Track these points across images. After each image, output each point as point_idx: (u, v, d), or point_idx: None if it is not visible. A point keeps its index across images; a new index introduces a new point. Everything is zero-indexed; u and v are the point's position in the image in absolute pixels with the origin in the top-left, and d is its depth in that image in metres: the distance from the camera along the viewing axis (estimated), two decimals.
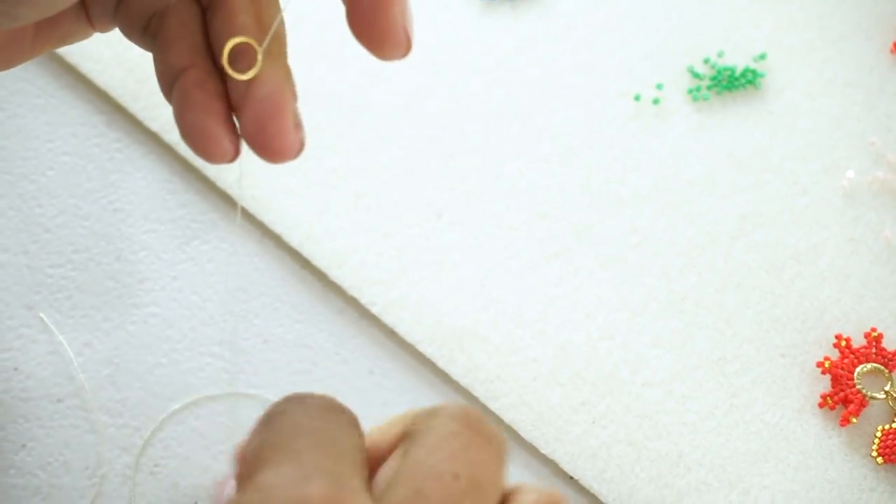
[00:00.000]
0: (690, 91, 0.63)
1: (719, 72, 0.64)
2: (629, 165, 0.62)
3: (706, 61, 0.64)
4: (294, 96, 0.44)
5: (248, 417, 0.56)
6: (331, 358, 0.57)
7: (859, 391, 0.56)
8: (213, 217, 0.60)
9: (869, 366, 0.56)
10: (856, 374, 0.56)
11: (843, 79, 0.64)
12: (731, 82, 0.64)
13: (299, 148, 0.44)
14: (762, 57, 0.64)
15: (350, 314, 0.58)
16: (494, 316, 0.58)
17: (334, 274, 0.59)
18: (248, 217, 0.60)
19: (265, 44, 0.43)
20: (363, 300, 0.58)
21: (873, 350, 0.57)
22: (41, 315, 0.57)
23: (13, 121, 0.62)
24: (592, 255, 0.59)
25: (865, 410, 0.56)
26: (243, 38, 0.44)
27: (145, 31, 0.47)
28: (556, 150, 0.62)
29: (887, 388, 0.56)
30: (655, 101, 0.63)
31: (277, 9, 0.45)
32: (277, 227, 0.59)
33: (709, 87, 0.64)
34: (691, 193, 0.61)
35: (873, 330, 0.57)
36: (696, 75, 0.64)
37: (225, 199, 0.60)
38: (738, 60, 0.64)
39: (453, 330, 0.57)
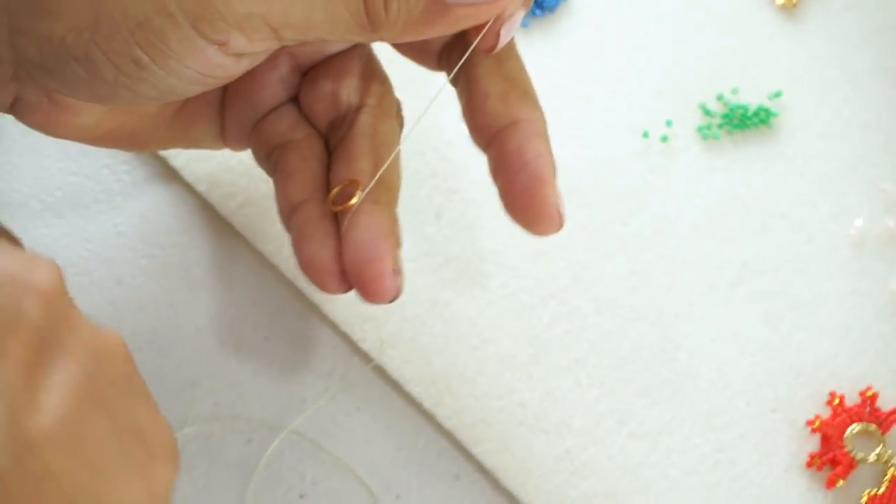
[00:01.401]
0: (700, 129, 0.62)
1: (732, 110, 0.62)
2: (633, 205, 0.61)
3: (719, 98, 0.63)
4: (396, 244, 0.47)
5: (235, 449, 0.57)
6: (320, 395, 0.58)
7: (848, 453, 0.55)
8: (213, 245, 0.61)
9: (860, 426, 0.55)
10: (846, 434, 0.55)
11: (861, 120, 0.62)
12: (742, 121, 0.62)
13: (395, 293, 0.47)
14: (777, 95, 0.63)
15: (342, 351, 0.59)
16: (484, 357, 0.58)
17: (328, 308, 0.59)
18: (248, 248, 0.60)
19: (369, 186, 0.47)
20: (354, 336, 0.58)
21: (867, 409, 0.56)
22: None
23: (26, 138, 0.63)
24: (588, 298, 0.59)
25: (854, 472, 0.55)
26: (350, 180, 0.48)
27: (269, 158, 0.51)
28: (560, 186, 0.61)
29: (878, 451, 0.55)
30: (664, 139, 0.62)
31: (396, 160, 0.49)
32: (274, 258, 0.60)
33: (720, 126, 0.62)
34: (694, 236, 0.60)
35: (868, 388, 0.56)
36: (707, 112, 0.63)
37: (226, 229, 0.61)
38: (753, 98, 0.63)
39: (442, 370, 0.57)
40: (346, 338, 0.59)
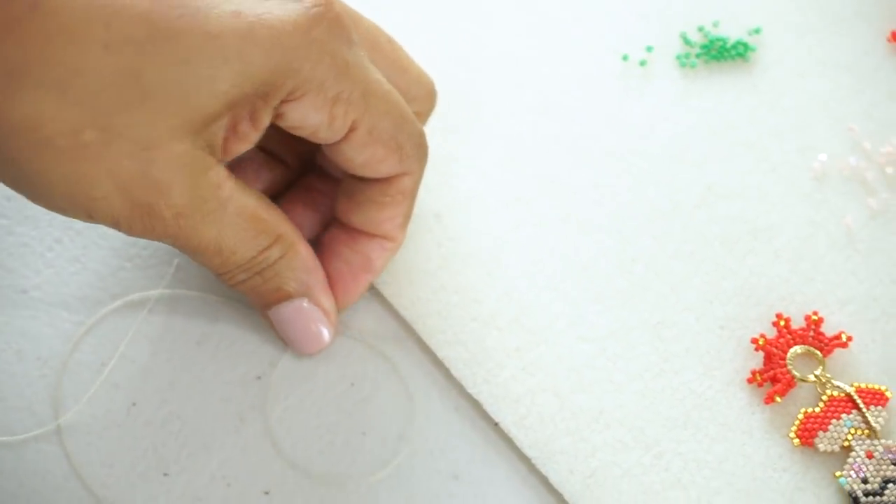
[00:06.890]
0: (679, 57, 0.64)
1: (711, 41, 0.64)
2: (605, 123, 0.62)
3: (700, 29, 0.64)
4: None
5: (200, 321, 0.58)
6: None
7: (789, 371, 0.56)
8: None
9: (803, 348, 0.57)
10: (789, 354, 0.57)
11: (835, 61, 0.64)
12: (720, 53, 0.64)
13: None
14: (757, 31, 0.64)
15: None
16: (446, 253, 0.59)
17: None
18: None
19: None
20: None
21: (811, 333, 0.57)
22: None
23: None
24: (552, 206, 0.60)
25: (792, 392, 0.57)
26: None
27: None
28: (536, 98, 0.63)
29: (818, 373, 0.57)
30: (642, 63, 0.64)
31: None
32: None
33: (698, 55, 0.64)
34: (662, 158, 0.62)
35: (815, 313, 0.58)
36: (687, 42, 0.64)
37: None
38: (733, 31, 0.64)
39: (404, 262, 0.59)
40: None
